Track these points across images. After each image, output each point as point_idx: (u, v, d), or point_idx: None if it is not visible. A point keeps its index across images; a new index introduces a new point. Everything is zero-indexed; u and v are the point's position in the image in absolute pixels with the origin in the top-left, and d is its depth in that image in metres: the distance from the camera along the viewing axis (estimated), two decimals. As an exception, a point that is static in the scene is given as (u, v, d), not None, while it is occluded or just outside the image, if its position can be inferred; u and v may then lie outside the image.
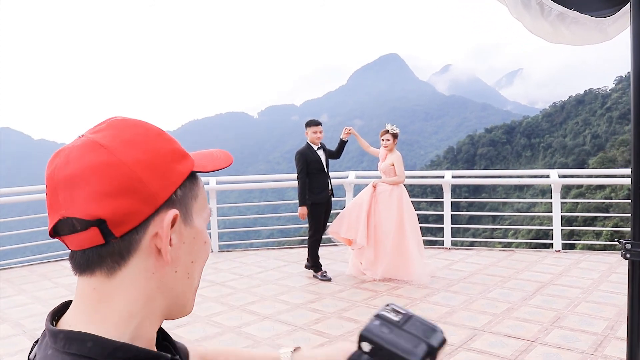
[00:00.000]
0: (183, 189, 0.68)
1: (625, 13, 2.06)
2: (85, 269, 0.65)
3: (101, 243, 0.63)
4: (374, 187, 6.54)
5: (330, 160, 6.72)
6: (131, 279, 0.65)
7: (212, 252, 7.95)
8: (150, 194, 0.63)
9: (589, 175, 10.13)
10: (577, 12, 2.08)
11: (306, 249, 6.87)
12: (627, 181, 8.59)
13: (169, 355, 0.66)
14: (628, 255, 1.98)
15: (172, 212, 0.65)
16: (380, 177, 6.67)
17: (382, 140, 6.63)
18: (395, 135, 6.58)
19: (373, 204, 6.49)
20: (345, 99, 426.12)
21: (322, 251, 7.11)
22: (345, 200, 8.45)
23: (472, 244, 8.88)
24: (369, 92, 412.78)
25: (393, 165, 6.48)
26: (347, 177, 8.47)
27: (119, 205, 0.61)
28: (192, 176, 0.71)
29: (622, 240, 1.96)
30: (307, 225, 6.76)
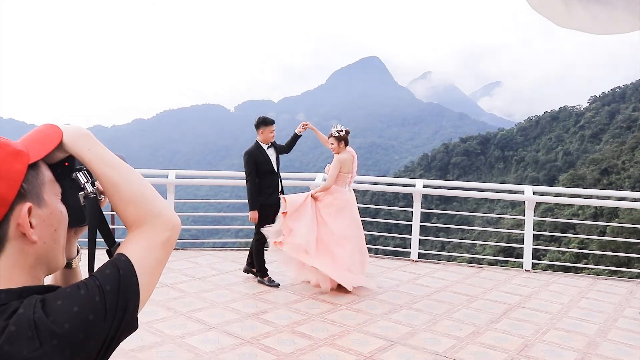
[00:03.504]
0: (28, 182, 0.83)
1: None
2: None
3: None
4: (314, 198, 6.15)
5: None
6: (13, 258, 0.82)
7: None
8: (1, 197, 0.79)
9: (564, 194, 9.88)
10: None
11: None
12: (599, 202, 8.36)
13: (59, 286, 0.86)
14: None
15: (26, 206, 0.82)
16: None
17: None
18: (339, 138, 6.17)
19: (315, 208, 6.10)
20: (323, 99, 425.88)
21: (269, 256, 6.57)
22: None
23: (439, 256, 8.55)
24: (348, 94, 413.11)
25: None
26: (314, 180, 8.05)
27: None
28: (33, 166, 0.84)
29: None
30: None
